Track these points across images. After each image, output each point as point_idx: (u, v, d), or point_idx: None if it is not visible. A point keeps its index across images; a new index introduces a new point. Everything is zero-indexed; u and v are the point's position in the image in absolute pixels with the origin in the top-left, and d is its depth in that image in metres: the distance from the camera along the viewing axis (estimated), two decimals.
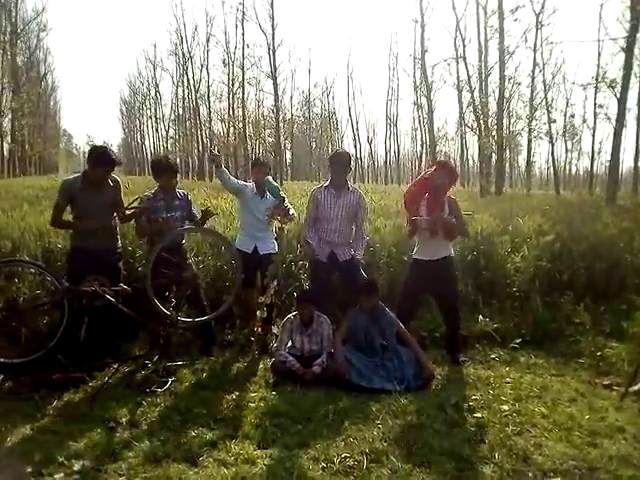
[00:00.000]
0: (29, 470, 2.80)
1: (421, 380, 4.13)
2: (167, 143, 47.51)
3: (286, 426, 3.35)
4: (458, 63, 23.04)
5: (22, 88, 33.66)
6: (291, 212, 4.89)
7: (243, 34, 31.92)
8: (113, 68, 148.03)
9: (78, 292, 3.98)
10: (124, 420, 3.39)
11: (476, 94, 20.89)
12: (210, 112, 37.10)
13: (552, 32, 23.67)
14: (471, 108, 21.54)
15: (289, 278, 5.55)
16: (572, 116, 34.10)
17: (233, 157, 33.55)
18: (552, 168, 27.30)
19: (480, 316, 5.28)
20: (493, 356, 4.78)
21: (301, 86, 71.01)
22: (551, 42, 23.20)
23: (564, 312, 5.49)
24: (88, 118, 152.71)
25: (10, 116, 32.60)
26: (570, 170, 48.68)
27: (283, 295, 5.36)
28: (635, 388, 3.91)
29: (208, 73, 36.78)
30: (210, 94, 36.83)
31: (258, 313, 4.71)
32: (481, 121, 20.07)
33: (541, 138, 26.58)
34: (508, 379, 4.23)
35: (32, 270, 4.62)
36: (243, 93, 33.20)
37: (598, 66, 21.78)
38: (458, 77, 23.62)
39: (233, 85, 33.74)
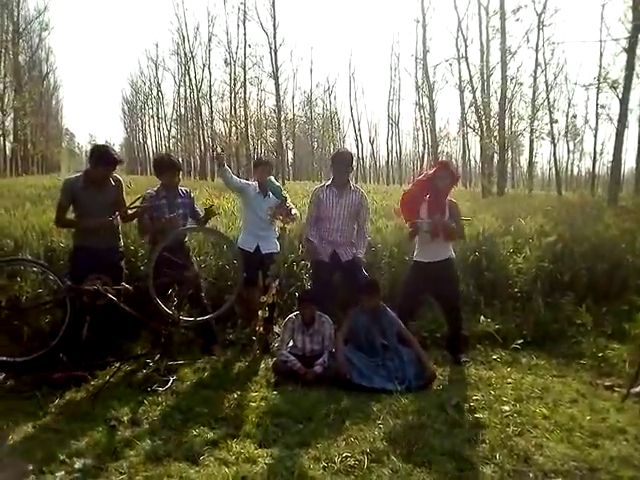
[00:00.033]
0: (30, 468, 2.81)
1: (422, 380, 4.13)
2: (169, 142, 47.52)
3: (287, 425, 3.35)
4: (460, 63, 22.99)
5: (24, 87, 33.67)
6: (293, 212, 4.89)
7: (245, 34, 31.94)
8: (115, 67, 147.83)
9: (80, 291, 3.99)
10: (125, 419, 3.39)
11: (478, 94, 20.84)
12: (212, 112, 37.17)
13: (554, 32, 23.82)
14: (473, 108, 21.48)
15: (291, 278, 5.56)
16: (574, 117, 34.15)
17: (235, 157, 33.56)
18: (554, 169, 27.23)
19: (482, 317, 5.29)
20: (494, 357, 4.78)
21: (303, 86, 70.81)
22: (553, 42, 23.04)
23: (566, 313, 5.49)
24: (90, 117, 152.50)
25: (12, 115, 32.65)
26: (572, 171, 48.60)
27: (285, 295, 5.37)
28: (636, 389, 3.90)
29: (210, 73, 36.85)
30: (212, 94, 36.92)
31: (260, 313, 4.71)
32: (483, 121, 20.03)
33: (543, 139, 26.55)
34: (509, 380, 4.23)
35: (34, 269, 4.63)
36: (245, 93, 33.25)
37: (600, 66, 21.76)
38: (460, 77, 23.58)
39: (235, 85, 33.77)
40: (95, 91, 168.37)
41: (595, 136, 28.16)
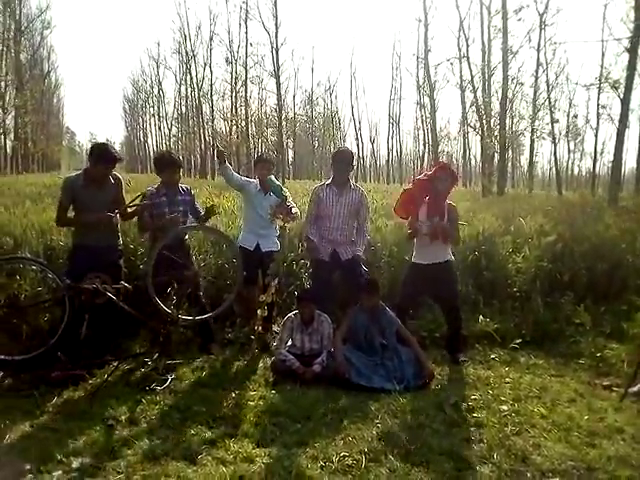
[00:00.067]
0: (28, 467, 2.81)
1: (421, 379, 4.13)
2: (170, 141, 47.47)
3: (285, 425, 3.35)
4: (461, 63, 22.95)
5: (25, 85, 33.67)
6: (294, 211, 4.86)
7: (246, 33, 31.91)
8: (116, 66, 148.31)
9: (79, 289, 3.99)
10: (123, 418, 3.39)
11: (479, 94, 20.84)
12: (213, 110, 37.15)
13: (556, 32, 23.81)
14: (474, 108, 21.48)
15: (290, 277, 5.56)
16: (575, 116, 34.10)
17: (236, 156, 33.54)
18: (554, 168, 27.20)
19: (480, 316, 5.29)
20: (493, 356, 4.78)
21: (304, 85, 70.67)
22: (555, 42, 23.05)
23: (564, 313, 5.49)
24: (91, 116, 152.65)
25: (13, 113, 32.63)
26: (572, 171, 48.56)
27: (284, 294, 5.37)
28: (634, 389, 3.90)
29: (211, 71, 36.82)
30: (213, 92, 36.89)
31: (259, 312, 4.71)
32: (484, 121, 20.01)
33: (544, 138, 26.52)
34: (508, 379, 4.22)
35: (34, 267, 4.64)
36: (246, 92, 33.21)
37: (602, 66, 21.79)
38: (461, 77, 23.54)
39: (236, 84, 33.74)
40: (96, 90, 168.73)
41: (596, 136, 28.19)
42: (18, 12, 35.31)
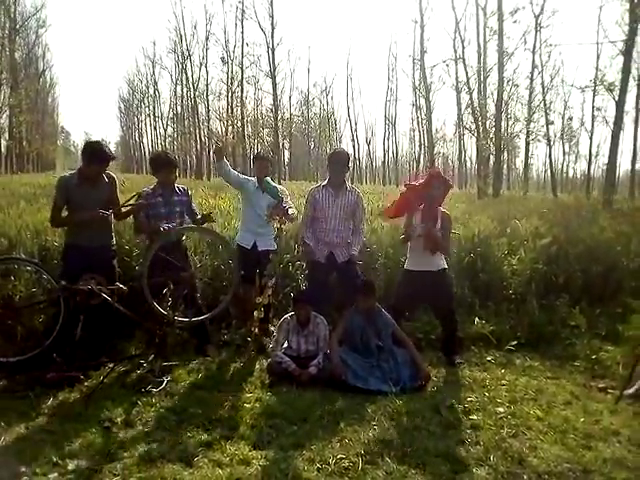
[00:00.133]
0: (23, 469, 2.79)
1: (417, 381, 4.14)
2: (165, 141, 47.39)
3: (281, 427, 3.35)
4: (457, 64, 23.05)
5: (20, 84, 33.55)
6: (291, 212, 4.85)
7: (242, 32, 31.92)
8: (112, 65, 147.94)
9: (74, 290, 3.97)
10: (119, 420, 3.38)
11: (475, 96, 20.93)
12: (209, 110, 37.01)
13: (551, 34, 24.04)
14: (470, 110, 21.57)
15: (286, 278, 5.55)
16: (570, 119, 34.36)
17: (232, 156, 33.49)
18: (549, 171, 27.42)
19: (476, 318, 5.29)
20: (489, 358, 4.78)
21: (300, 85, 70.99)
22: (550, 44, 23.26)
23: (560, 315, 5.50)
24: (86, 115, 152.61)
25: (8, 113, 32.55)
26: (567, 173, 48.83)
27: (280, 295, 5.36)
28: (630, 391, 3.92)
29: (207, 71, 36.75)
30: (209, 92, 36.74)
31: (255, 313, 4.70)
32: (479, 123, 20.09)
33: (539, 140, 26.71)
34: (503, 381, 4.23)
35: (28, 268, 4.61)
36: (242, 92, 33.15)
37: (597, 69, 21.86)
38: (457, 78, 23.65)
39: (232, 84, 33.66)
40: (91, 89, 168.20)
41: (591, 138, 28.41)
42: (13, 10, 35.14)
